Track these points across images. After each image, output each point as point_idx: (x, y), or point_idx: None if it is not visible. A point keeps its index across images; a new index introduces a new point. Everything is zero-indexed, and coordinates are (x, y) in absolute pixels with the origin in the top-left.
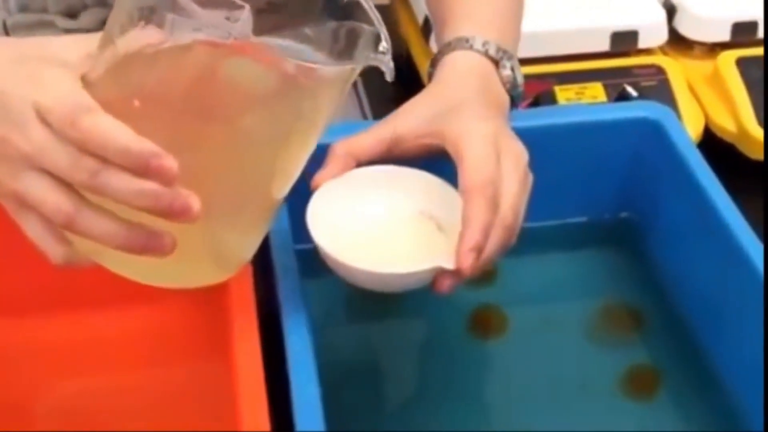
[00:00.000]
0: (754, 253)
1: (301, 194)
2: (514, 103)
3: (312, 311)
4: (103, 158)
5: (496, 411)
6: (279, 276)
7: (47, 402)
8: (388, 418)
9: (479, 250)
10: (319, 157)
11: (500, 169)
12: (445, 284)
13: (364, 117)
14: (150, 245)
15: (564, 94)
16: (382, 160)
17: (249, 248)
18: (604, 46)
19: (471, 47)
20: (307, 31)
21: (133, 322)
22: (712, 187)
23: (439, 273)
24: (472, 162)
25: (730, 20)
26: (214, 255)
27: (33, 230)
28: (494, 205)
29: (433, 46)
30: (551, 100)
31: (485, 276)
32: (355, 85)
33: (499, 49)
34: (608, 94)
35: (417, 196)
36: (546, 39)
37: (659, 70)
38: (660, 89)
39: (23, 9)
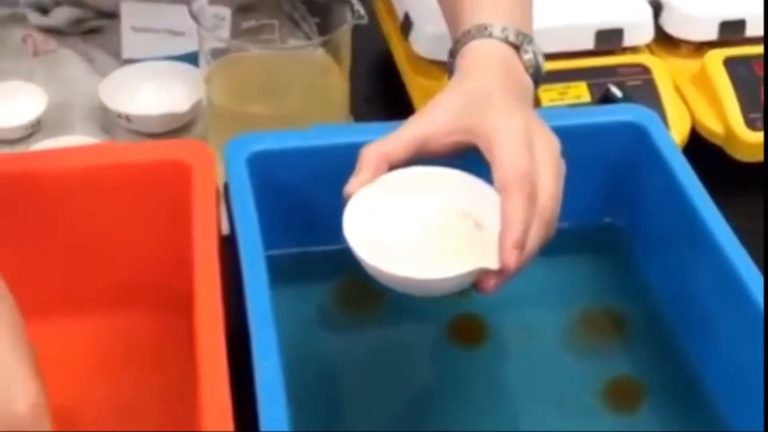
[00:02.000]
0: (738, 259)
1: (273, 194)
2: (536, 85)
3: (286, 319)
4: None
5: (474, 422)
6: (248, 287)
7: None
8: (365, 428)
9: (521, 246)
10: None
11: (534, 162)
12: (490, 284)
13: None
14: None
15: (547, 94)
16: (413, 160)
17: None
18: (589, 44)
19: (490, 35)
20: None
21: (97, 330)
22: (697, 193)
23: (483, 273)
24: (505, 158)
25: (718, 19)
26: None
27: None
28: (532, 199)
29: (413, 43)
30: (534, 101)
31: None
32: None
33: (518, 34)
34: (592, 94)
35: (452, 196)
36: None
37: (645, 70)
38: (645, 89)
39: None
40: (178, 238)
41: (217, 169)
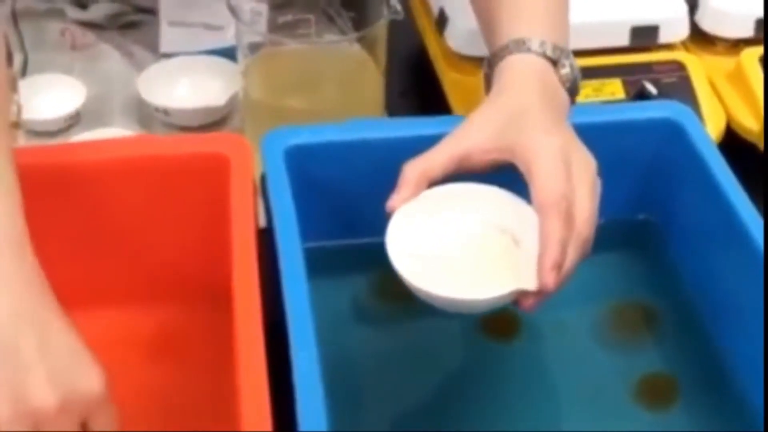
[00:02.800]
0: None
1: (310, 187)
2: (572, 99)
3: (322, 311)
4: None
5: (507, 416)
6: (285, 279)
7: None
8: (399, 420)
9: (559, 267)
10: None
11: (572, 182)
12: (529, 303)
13: None
14: None
15: (582, 91)
16: (452, 176)
17: None
18: (624, 41)
19: (529, 49)
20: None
21: (132, 322)
22: (733, 190)
23: (522, 293)
24: (543, 178)
25: (754, 16)
26: None
27: None
28: (569, 219)
29: (448, 39)
30: None
31: None
32: None
33: (555, 48)
34: (627, 91)
35: (491, 212)
36: None
37: (680, 67)
38: (680, 86)
39: None
40: (216, 231)
41: (254, 162)
